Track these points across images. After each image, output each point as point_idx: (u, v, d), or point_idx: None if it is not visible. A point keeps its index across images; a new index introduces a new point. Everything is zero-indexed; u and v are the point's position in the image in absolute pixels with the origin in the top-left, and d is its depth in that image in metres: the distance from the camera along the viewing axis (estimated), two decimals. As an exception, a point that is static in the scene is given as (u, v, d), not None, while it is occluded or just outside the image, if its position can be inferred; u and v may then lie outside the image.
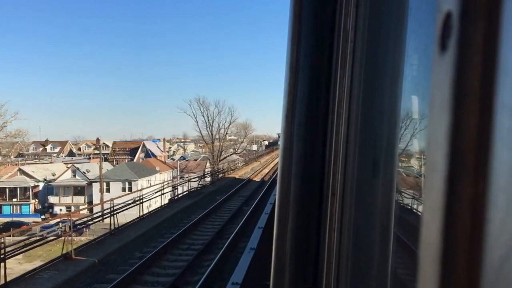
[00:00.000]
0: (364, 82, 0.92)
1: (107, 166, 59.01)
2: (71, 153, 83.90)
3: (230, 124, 65.06)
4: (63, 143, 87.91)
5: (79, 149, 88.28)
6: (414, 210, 0.92)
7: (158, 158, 70.56)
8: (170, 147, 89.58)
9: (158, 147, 79.26)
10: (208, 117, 62.64)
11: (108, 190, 48.22)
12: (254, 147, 67.09)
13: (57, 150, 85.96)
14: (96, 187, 49.03)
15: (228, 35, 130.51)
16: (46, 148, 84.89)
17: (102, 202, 31.61)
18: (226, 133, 65.92)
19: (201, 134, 63.21)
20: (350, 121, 0.95)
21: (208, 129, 62.48)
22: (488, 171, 0.24)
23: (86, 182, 54.60)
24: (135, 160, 70.19)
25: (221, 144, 62.58)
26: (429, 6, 0.63)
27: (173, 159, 74.26)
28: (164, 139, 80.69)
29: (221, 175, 39.58)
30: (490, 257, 0.24)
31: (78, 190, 55.55)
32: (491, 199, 0.24)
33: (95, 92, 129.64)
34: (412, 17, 0.77)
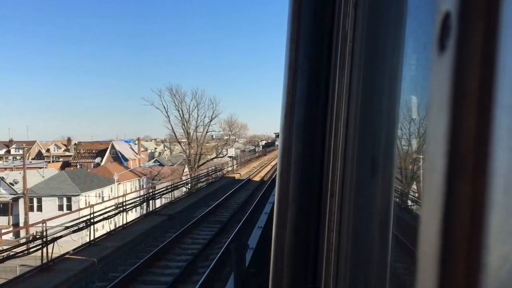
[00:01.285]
0: (363, 82, 0.92)
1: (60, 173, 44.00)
2: (39, 155, 69.32)
3: (211, 120, 50.59)
4: (31, 144, 71.49)
5: (48, 150, 74.02)
6: (413, 210, 0.93)
7: (131, 161, 59.47)
8: (155, 148, 79.27)
9: (131, 148, 65.61)
10: (182, 111, 48.84)
11: (39, 209, 36.25)
12: (230, 152, 51.64)
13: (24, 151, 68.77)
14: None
15: (228, 35, 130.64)
16: (10, 150, 71.14)
17: (27, 226, 23.36)
18: (207, 131, 50.94)
19: (174, 132, 49.21)
20: (349, 121, 0.95)
21: (183, 126, 48.79)
22: (487, 171, 0.24)
23: (12, 197, 38.65)
24: (102, 164, 57.09)
25: (201, 145, 48.62)
26: (428, 6, 0.63)
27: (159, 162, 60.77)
28: (139, 139, 68.02)
29: (200, 184, 30.82)
30: (490, 257, 0.24)
31: (1, 208, 39.81)
32: (490, 199, 0.24)
33: (95, 92, 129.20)
34: (411, 17, 0.77)
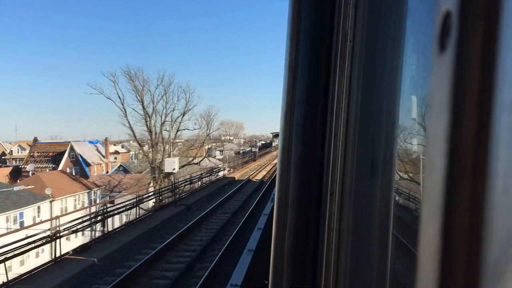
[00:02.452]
0: (363, 82, 0.92)
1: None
2: (3, 156, 59.48)
3: (183, 115, 38.07)
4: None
5: (11, 152, 61.46)
6: (413, 211, 0.93)
7: (96, 166, 48.83)
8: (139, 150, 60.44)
9: (98, 150, 53.25)
10: (143, 102, 36.39)
11: None
12: (169, 167, 26.23)
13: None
14: None
15: (227, 35, 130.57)
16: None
17: None
18: (178, 129, 38.23)
19: (133, 131, 36.28)
20: (349, 121, 0.95)
21: (147, 122, 36.39)
22: (486, 171, 0.24)
23: None
24: (60, 169, 44.95)
25: (170, 146, 37.09)
26: (428, 6, 0.63)
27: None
28: (106, 139, 54.32)
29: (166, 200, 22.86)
30: (489, 257, 0.23)
31: None
32: (490, 199, 0.24)
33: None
34: (411, 17, 0.77)
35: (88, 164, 48.98)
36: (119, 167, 49.93)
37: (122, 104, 36.47)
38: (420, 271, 0.28)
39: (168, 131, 37.76)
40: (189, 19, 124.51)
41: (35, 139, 54.89)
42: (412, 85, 0.82)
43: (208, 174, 33.09)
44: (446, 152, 0.26)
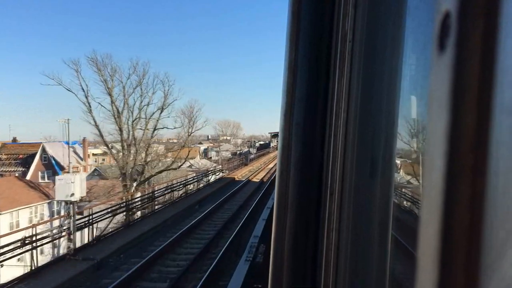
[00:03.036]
0: (362, 82, 0.92)
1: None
2: None
3: (162, 110, 32.10)
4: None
5: None
6: (413, 210, 0.93)
7: (71, 169, 36.26)
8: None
9: (75, 152, 46.00)
10: (112, 95, 30.22)
11: None
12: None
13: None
14: None
15: (227, 35, 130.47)
16: None
17: None
18: (156, 128, 32.05)
19: (99, 129, 30.18)
20: (349, 121, 0.95)
21: (116, 119, 30.29)
22: (486, 171, 0.24)
23: None
24: (30, 174, 40.25)
25: (146, 147, 30.82)
26: (428, 6, 0.63)
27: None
28: (84, 140, 46.93)
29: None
30: (489, 257, 0.24)
31: None
32: (489, 199, 0.24)
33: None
34: (410, 16, 0.77)
35: (62, 168, 41.31)
36: (94, 171, 42.40)
37: (86, 98, 30.23)
38: (420, 270, 0.28)
39: (144, 130, 31.67)
40: (189, 19, 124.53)
41: (14, 140, 49.64)
42: (411, 84, 0.82)
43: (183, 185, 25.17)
44: (445, 151, 0.26)
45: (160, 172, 32.23)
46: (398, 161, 0.89)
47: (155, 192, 21.80)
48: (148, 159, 31.63)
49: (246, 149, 72.31)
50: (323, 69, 1.16)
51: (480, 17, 0.25)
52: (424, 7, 0.68)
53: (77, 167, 42.09)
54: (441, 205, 0.26)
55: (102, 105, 30.71)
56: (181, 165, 34.76)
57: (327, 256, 1.03)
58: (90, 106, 30.34)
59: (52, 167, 43.19)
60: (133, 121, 31.29)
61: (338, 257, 0.96)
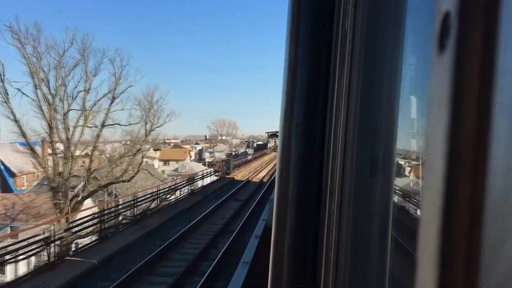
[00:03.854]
0: (362, 82, 0.92)
1: None
2: None
3: (113, 100, 22.64)
4: None
5: None
6: (412, 210, 0.93)
7: (26, 176, 32.82)
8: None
9: (34, 154, 22.85)
10: (38, 75, 20.29)
11: None
12: None
13: None
14: None
15: (227, 35, 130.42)
16: None
17: None
18: (104, 124, 22.38)
19: (19, 125, 20.06)
20: (349, 120, 0.95)
21: (43, 109, 20.78)
22: (486, 171, 0.24)
23: None
24: None
25: (92, 150, 21.91)
26: (428, 6, 0.63)
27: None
28: (43, 140, 24.01)
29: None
30: (489, 258, 0.23)
31: None
32: (489, 199, 0.24)
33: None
34: (410, 16, 0.77)
35: (13, 175, 33.42)
36: (42, 180, 27.86)
37: (2, 81, 19.89)
38: (420, 270, 0.28)
39: (91, 127, 22.06)
40: (189, 19, 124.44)
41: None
42: (411, 84, 0.82)
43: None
44: (445, 152, 0.26)
45: (106, 185, 23.05)
46: (398, 161, 0.89)
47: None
48: (93, 168, 22.29)
49: (242, 150, 66.56)
50: (323, 68, 1.16)
51: (480, 17, 0.25)
52: (424, 7, 0.68)
53: (34, 173, 33.41)
54: (441, 205, 0.26)
55: (23, 92, 20.62)
56: (133, 176, 24.11)
57: (327, 256, 1.03)
58: (7, 94, 20.16)
59: (0, 173, 34.04)
60: (64, 113, 21.39)
61: (338, 256, 0.96)
